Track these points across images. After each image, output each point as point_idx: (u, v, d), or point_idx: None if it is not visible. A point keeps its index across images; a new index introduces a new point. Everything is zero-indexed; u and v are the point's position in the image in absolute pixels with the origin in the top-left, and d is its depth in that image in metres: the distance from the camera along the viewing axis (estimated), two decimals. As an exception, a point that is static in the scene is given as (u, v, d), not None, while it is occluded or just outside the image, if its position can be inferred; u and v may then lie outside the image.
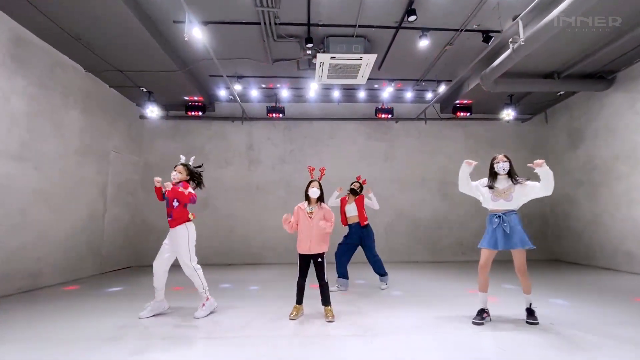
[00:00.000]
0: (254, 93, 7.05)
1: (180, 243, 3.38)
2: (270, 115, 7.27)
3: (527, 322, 3.01)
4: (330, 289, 4.50)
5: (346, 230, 4.83)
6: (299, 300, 3.40)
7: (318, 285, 3.33)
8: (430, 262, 7.48)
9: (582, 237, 7.02)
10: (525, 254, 3.06)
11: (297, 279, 3.39)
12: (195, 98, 7.07)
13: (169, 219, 3.40)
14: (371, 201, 4.78)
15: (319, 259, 3.33)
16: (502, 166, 3.16)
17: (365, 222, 4.68)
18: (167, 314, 3.44)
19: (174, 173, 3.45)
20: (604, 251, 6.45)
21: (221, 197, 7.63)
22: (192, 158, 3.72)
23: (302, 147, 7.89)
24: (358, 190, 4.75)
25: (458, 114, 7.45)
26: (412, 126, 8.08)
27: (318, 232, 3.29)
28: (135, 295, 4.30)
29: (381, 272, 4.66)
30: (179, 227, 3.40)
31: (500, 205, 3.10)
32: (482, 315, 3.05)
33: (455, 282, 5.18)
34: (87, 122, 5.84)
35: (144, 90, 6.55)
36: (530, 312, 3.04)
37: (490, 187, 3.17)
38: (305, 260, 3.36)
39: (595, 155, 6.66)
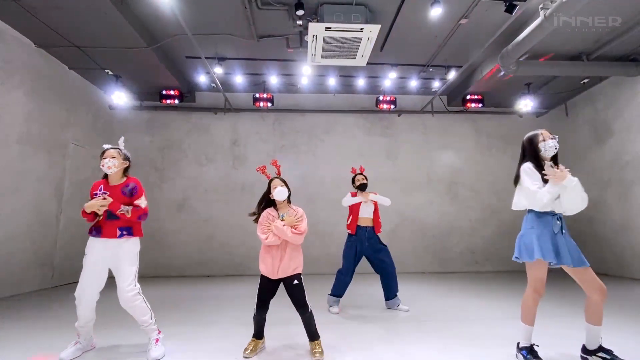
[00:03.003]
0: (239, 79, 6.20)
1: (129, 260, 2.47)
2: (258, 105, 6.40)
3: None
4: (331, 309, 3.62)
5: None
6: (259, 335, 2.49)
7: (299, 314, 2.42)
8: (438, 273, 6.57)
9: (610, 244, 6.16)
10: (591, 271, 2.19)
11: (254, 311, 2.45)
12: (171, 81, 6.13)
13: (124, 236, 2.47)
14: (379, 198, 3.81)
15: (295, 281, 2.43)
16: (552, 144, 2.29)
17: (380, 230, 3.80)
18: (94, 353, 2.50)
19: (105, 160, 2.47)
20: (638, 260, 5.59)
21: (200, 198, 6.69)
22: (122, 138, 2.77)
23: (294, 143, 7.02)
24: (367, 183, 3.84)
25: (468, 105, 6.64)
26: (417, 120, 7.24)
27: (292, 247, 2.45)
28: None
29: (394, 292, 3.70)
30: (132, 240, 2.51)
31: (558, 205, 2.22)
32: (538, 357, 2.14)
33: (476, 299, 4.27)
34: (37, 106, 4.92)
35: (110, 73, 5.66)
36: (610, 353, 2.11)
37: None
38: (273, 285, 2.47)
39: (626, 151, 5.84)
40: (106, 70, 5.58)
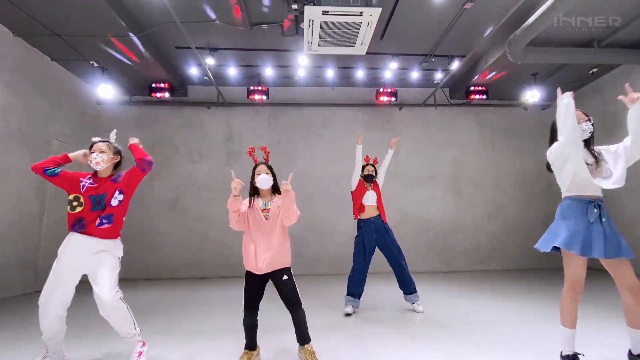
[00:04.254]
0: (232, 71, 5.92)
1: (111, 265, 2.21)
2: (252, 98, 6.11)
3: None
4: (346, 309, 3.36)
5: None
6: (251, 345, 2.21)
7: (290, 313, 2.16)
8: (443, 272, 6.32)
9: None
10: (630, 264, 1.94)
11: (242, 315, 2.17)
12: (161, 73, 5.83)
13: (104, 225, 2.21)
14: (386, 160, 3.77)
15: (285, 277, 2.16)
16: (585, 127, 2.04)
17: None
18: None
19: (94, 155, 2.26)
20: (654, 257, 5.35)
21: (193, 196, 6.41)
22: (114, 131, 2.53)
23: (291, 138, 6.74)
24: (374, 175, 3.66)
25: (472, 97, 6.38)
26: (419, 113, 6.98)
27: (276, 238, 2.16)
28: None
29: (413, 289, 3.49)
30: (116, 242, 2.28)
31: (596, 190, 1.97)
32: None
33: (484, 299, 4.02)
34: (17, 100, 4.63)
35: (95, 65, 5.37)
36: None
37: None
38: (259, 282, 2.18)
39: (638, 143, 5.60)
40: (91, 62, 5.29)
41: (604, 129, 6.27)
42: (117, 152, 2.42)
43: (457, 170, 6.88)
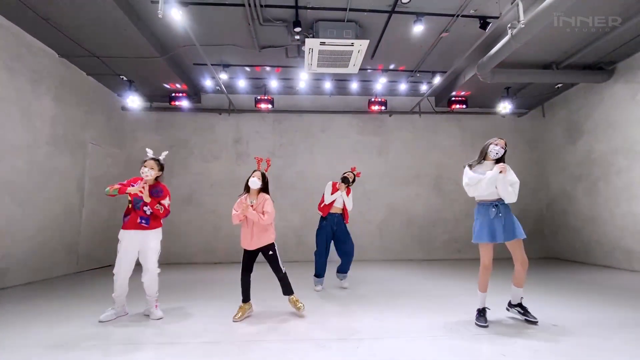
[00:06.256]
0: (242, 83, 6.73)
1: (153, 247, 3.11)
2: (259, 106, 6.94)
3: (526, 321, 2.78)
4: (316, 288, 4.25)
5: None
6: (245, 298, 3.15)
7: (276, 276, 3.13)
8: (424, 260, 7.23)
9: (579, 234, 6.82)
10: (522, 243, 2.82)
11: (240, 275, 3.14)
12: (179, 86, 6.68)
13: (142, 223, 3.07)
14: (348, 200, 4.37)
15: (270, 252, 3.11)
16: (497, 150, 2.88)
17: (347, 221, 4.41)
18: (127, 318, 3.13)
19: (145, 170, 3.09)
20: (602, 248, 6.25)
21: (206, 192, 7.30)
22: (165, 153, 3.37)
23: (293, 141, 7.59)
24: (351, 181, 4.43)
25: (453, 106, 7.20)
26: (406, 120, 7.82)
27: (259, 225, 3.07)
28: (107, 296, 3.96)
29: (346, 270, 4.38)
30: (153, 232, 3.13)
31: (493, 195, 2.83)
32: (485, 316, 2.78)
33: (451, 280, 4.93)
34: (61, 110, 5.47)
35: (124, 79, 6.19)
36: (524, 309, 2.85)
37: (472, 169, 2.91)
38: (249, 255, 3.14)
39: (594, 150, 6.45)
40: (121, 76, 6.11)
41: (569, 136, 7.13)
42: (162, 169, 3.25)
43: (440, 171, 7.74)
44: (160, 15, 3.61)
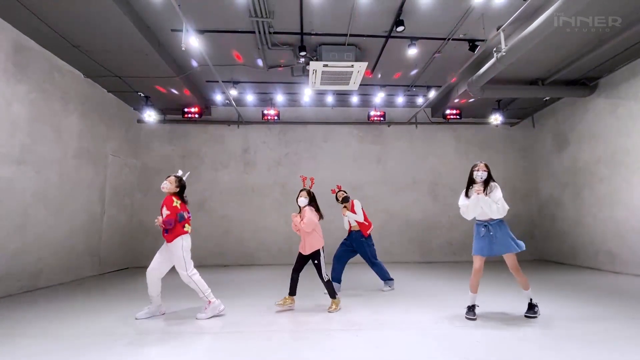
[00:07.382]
0: (250, 98, 7.22)
1: (177, 255, 3.44)
2: (266, 118, 7.43)
3: (525, 315, 3.19)
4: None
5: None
6: (291, 292, 3.64)
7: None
8: (421, 263, 7.68)
9: (566, 238, 7.26)
10: (514, 256, 3.20)
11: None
12: (189, 94, 7.19)
13: (164, 234, 3.45)
14: (350, 215, 4.64)
15: (315, 261, 3.59)
16: (480, 174, 3.32)
17: (369, 231, 4.62)
18: (164, 315, 3.56)
19: (164, 182, 3.50)
20: (587, 251, 6.69)
21: (217, 198, 7.78)
22: (187, 174, 3.77)
23: (297, 151, 8.07)
24: (341, 199, 4.67)
25: (448, 117, 7.67)
26: (404, 130, 8.29)
27: (305, 233, 3.60)
28: (132, 296, 4.44)
29: (385, 277, 4.69)
30: (174, 241, 3.44)
31: (484, 215, 3.27)
32: (473, 311, 3.23)
33: (446, 280, 5.37)
34: (86, 126, 5.98)
35: (142, 95, 6.70)
36: (530, 307, 3.22)
37: (468, 195, 3.32)
38: (301, 258, 3.67)
39: (579, 159, 6.90)
40: (139, 93, 6.61)
41: (556, 145, 7.58)
42: (179, 186, 3.57)
43: (436, 177, 8.20)
44: (183, 48, 4.10)
